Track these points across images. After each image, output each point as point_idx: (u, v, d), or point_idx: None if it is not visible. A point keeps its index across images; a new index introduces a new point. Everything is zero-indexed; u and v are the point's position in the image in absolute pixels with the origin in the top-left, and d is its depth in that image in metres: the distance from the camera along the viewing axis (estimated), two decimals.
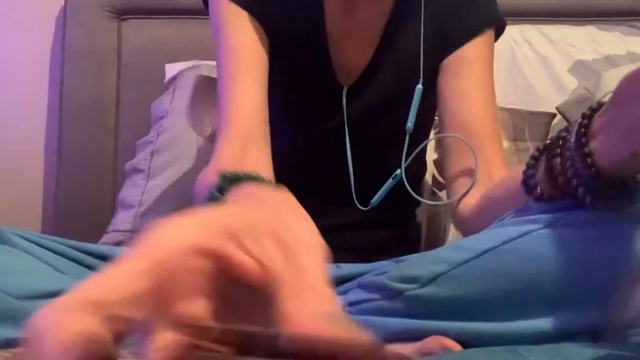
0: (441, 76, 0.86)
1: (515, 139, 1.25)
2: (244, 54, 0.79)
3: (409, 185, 0.80)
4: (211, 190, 0.45)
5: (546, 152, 0.54)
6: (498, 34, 0.89)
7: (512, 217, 0.55)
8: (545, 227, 0.51)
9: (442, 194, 1.15)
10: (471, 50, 0.83)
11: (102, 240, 1.27)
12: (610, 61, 1.36)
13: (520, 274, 0.50)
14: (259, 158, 0.76)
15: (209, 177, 0.68)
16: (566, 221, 0.50)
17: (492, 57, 0.86)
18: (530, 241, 0.51)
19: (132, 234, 1.26)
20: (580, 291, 0.49)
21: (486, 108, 0.80)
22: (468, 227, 0.78)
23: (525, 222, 0.52)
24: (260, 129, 0.77)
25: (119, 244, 1.24)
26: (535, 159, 0.56)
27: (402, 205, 0.93)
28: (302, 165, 0.89)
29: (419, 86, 0.83)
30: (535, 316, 0.50)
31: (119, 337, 0.23)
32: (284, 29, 0.84)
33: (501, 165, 0.79)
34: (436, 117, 1.07)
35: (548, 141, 0.54)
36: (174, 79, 1.43)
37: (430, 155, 1.18)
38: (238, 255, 0.25)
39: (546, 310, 0.50)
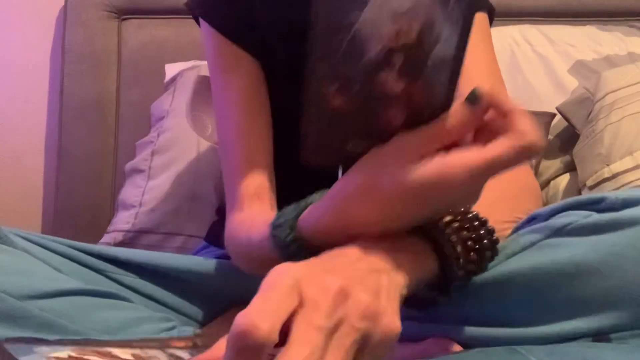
0: None
1: None
2: (246, 105, 0.78)
3: None
4: (281, 242, 0.49)
5: None
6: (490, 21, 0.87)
7: (520, 229, 0.55)
8: (548, 237, 0.51)
9: None
10: None
11: (102, 240, 1.27)
12: (610, 61, 1.36)
13: (524, 286, 0.50)
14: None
15: (248, 227, 0.65)
16: (571, 228, 0.50)
17: (487, 39, 0.83)
18: (534, 253, 0.50)
19: (133, 234, 1.26)
20: (584, 298, 0.48)
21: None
22: None
23: (529, 233, 0.52)
24: (271, 178, 0.76)
25: (119, 244, 1.24)
26: None
27: None
28: (294, 168, 0.89)
29: None
30: (540, 324, 0.49)
31: None
32: (277, 36, 0.82)
33: None
34: None
35: None
36: (174, 79, 1.43)
37: None
38: None
39: (550, 317, 0.49)
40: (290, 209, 0.50)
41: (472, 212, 0.50)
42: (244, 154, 0.75)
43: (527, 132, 0.39)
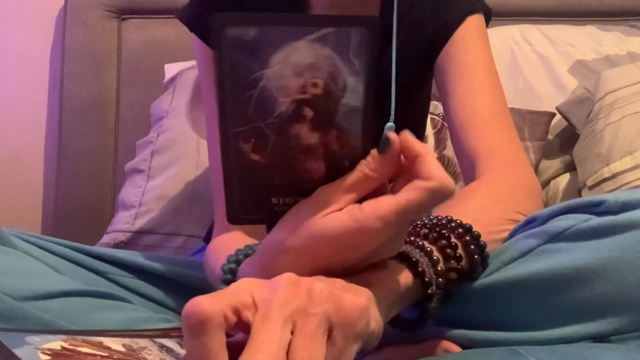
0: (436, 77, 0.85)
1: None
2: None
3: None
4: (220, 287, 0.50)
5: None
6: (486, 22, 0.86)
7: (518, 232, 0.54)
8: (547, 242, 0.51)
9: None
10: (457, 43, 0.81)
11: (102, 240, 1.27)
12: (610, 61, 1.36)
13: (524, 292, 0.49)
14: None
15: (216, 257, 0.66)
16: (570, 233, 0.50)
17: (483, 40, 0.82)
18: (533, 259, 0.50)
19: (132, 234, 1.26)
20: (585, 303, 0.48)
21: (473, 103, 0.76)
22: None
23: (527, 237, 0.52)
24: None
25: (119, 244, 1.24)
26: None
27: None
28: None
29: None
30: (540, 328, 0.49)
31: None
32: None
33: (485, 154, 0.71)
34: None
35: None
36: (173, 79, 1.43)
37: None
38: None
39: (551, 322, 0.49)
40: (238, 254, 0.51)
41: (455, 221, 0.50)
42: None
43: (435, 175, 0.40)
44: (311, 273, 0.42)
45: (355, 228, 0.40)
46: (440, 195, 0.40)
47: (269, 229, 0.44)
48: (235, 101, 0.39)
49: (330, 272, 0.42)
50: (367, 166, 0.41)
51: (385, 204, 0.40)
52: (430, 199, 0.40)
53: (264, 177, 0.42)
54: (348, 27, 0.38)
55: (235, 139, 0.40)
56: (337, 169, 0.42)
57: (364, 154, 0.42)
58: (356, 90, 0.40)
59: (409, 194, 0.39)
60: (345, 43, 0.38)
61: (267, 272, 0.43)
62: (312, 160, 0.42)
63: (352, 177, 0.41)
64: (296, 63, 0.38)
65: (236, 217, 0.44)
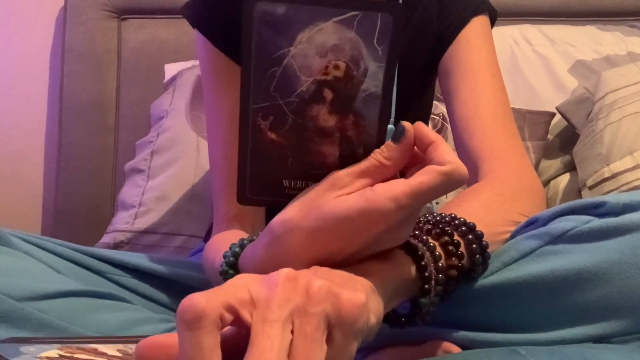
0: (439, 78, 0.85)
1: None
2: (234, 123, 0.76)
3: None
4: (222, 269, 0.50)
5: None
6: (491, 22, 0.86)
7: (520, 233, 0.54)
8: (548, 243, 0.50)
9: None
10: (461, 44, 0.81)
11: (102, 240, 1.27)
12: (610, 61, 1.36)
13: (525, 294, 0.49)
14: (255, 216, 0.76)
15: (216, 251, 0.65)
16: (571, 235, 0.50)
17: (488, 41, 0.82)
18: (534, 260, 0.50)
19: (132, 234, 1.26)
20: (586, 305, 0.48)
21: (477, 105, 0.76)
22: None
23: (528, 238, 0.52)
24: None
25: (119, 244, 1.24)
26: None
27: None
28: None
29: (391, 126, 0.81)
30: (541, 330, 0.49)
31: None
32: None
33: (489, 156, 0.71)
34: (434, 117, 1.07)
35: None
36: (173, 79, 1.43)
37: None
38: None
39: (551, 324, 0.49)
40: (243, 240, 0.50)
41: (459, 219, 0.50)
42: (230, 175, 0.74)
43: (448, 160, 0.40)
44: (316, 255, 0.42)
45: (366, 208, 0.40)
46: (453, 180, 0.40)
47: (273, 215, 0.44)
48: (258, 76, 0.40)
49: (334, 256, 0.42)
50: (382, 154, 0.42)
51: (397, 186, 0.40)
52: (443, 183, 0.40)
53: (278, 158, 0.42)
54: (375, 12, 0.38)
55: (255, 115, 0.41)
56: (350, 156, 0.42)
57: (379, 144, 0.42)
58: (377, 77, 0.40)
59: (422, 176, 0.40)
60: (370, 28, 0.39)
61: (273, 250, 0.43)
62: (327, 144, 0.42)
63: (366, 163, 0.42)
64: (321, 43, 0.39)
65: (245, 197, 0.44)
